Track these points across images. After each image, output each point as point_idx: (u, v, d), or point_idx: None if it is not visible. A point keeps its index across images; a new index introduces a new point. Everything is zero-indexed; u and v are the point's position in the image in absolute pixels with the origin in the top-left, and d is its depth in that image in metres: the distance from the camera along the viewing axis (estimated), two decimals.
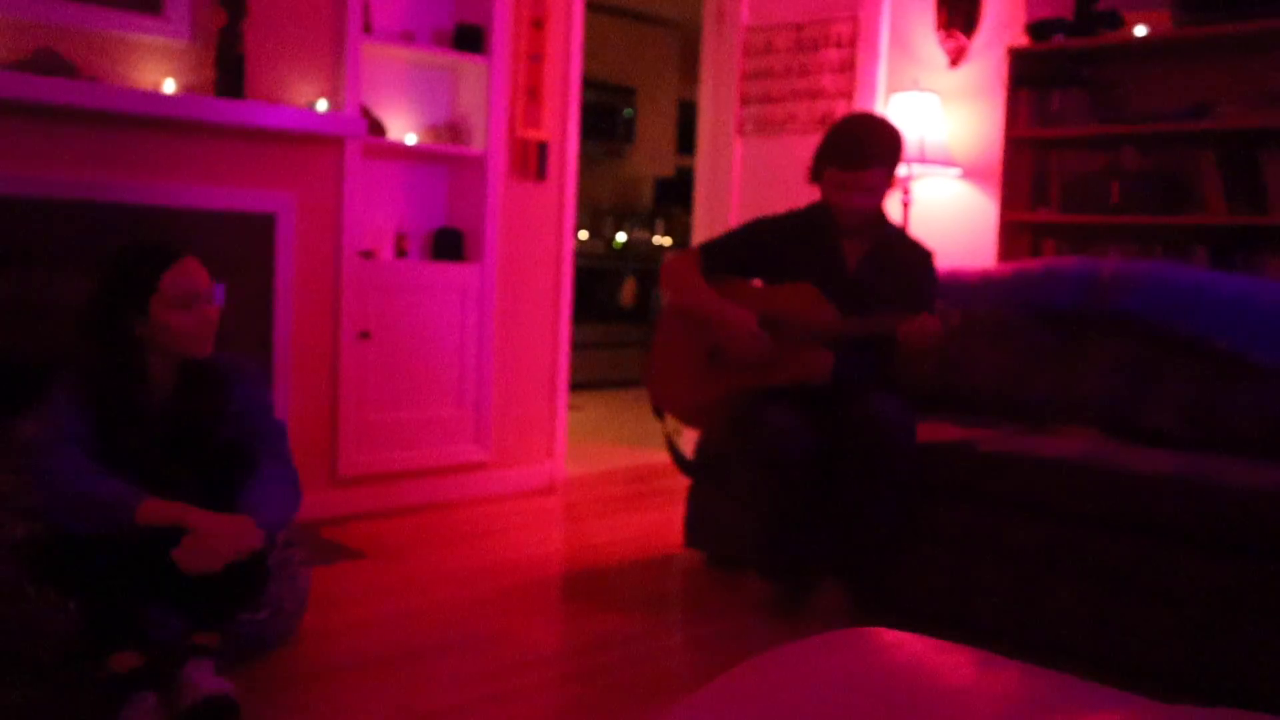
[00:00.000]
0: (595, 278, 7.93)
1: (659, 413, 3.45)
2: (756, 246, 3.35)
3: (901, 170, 3.95)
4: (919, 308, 3.17)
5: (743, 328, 3.19)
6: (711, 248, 3.40)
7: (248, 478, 2.38)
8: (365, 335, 4.03)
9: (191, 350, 2.43)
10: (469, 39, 4.27)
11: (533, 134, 4.45)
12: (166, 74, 3.50)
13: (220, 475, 2.41)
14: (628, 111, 8.81)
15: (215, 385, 2.47)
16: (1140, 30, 3.97)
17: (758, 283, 3.39)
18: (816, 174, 3.29)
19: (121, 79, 3.43)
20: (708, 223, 5.26)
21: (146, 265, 2.40)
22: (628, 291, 8.23)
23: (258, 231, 3.72)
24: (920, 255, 3.36)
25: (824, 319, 3.13)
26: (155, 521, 2.21)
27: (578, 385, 6.16)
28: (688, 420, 3.50)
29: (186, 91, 3.52)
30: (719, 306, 3.24)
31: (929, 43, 4.66)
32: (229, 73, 3.54)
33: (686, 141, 7.85)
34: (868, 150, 3.18)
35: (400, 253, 4.24)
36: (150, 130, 3.46)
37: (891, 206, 3.44)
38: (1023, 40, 4.27)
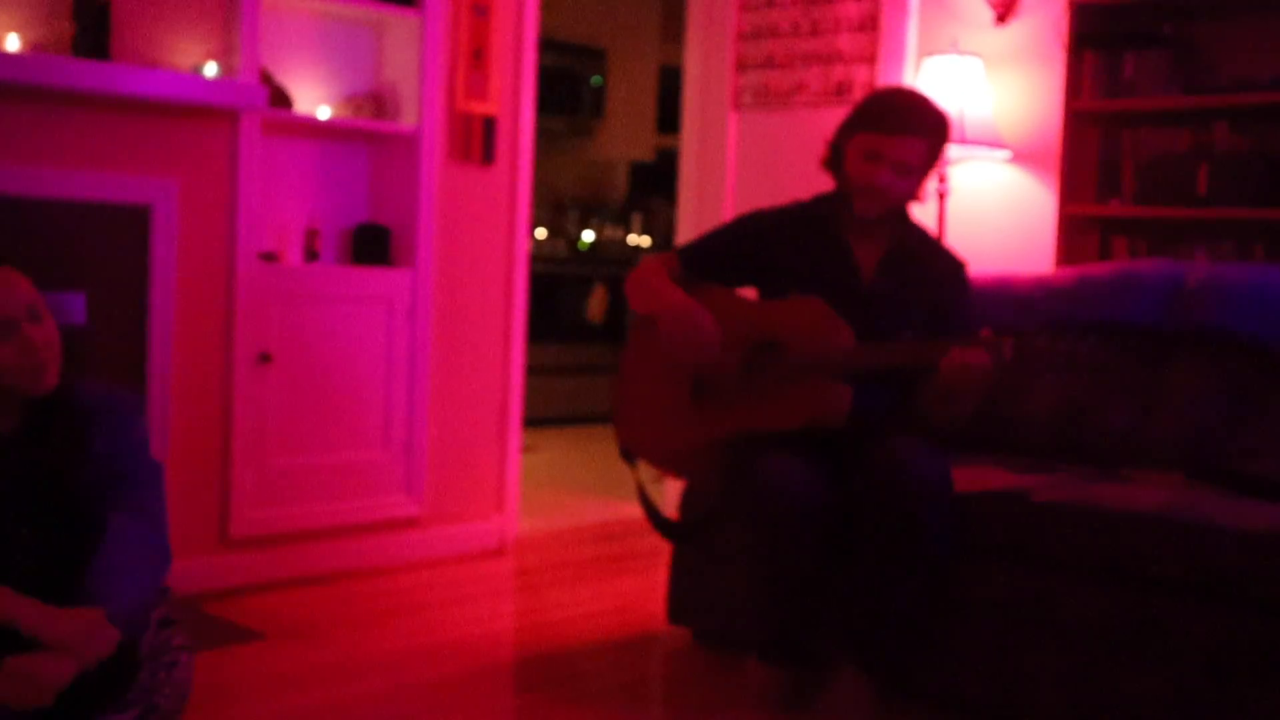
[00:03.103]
0: (556, 287, 7.92)
1: (629, 457, 3.44)
2: (746, 247, 3.36)
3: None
4: (948, 329, 3.20)
5: (686, 314, 3.19)
6: (691, 250, 3.43)
7: (101, 543, 2.36)
8: (266, 358, 4.01)
9: (23, 385, 2.41)
10: None
11: (477, 107, 4.46)
12: (9, 28, 3.48)
13: (75, 535, 2.38)
14: (596, 79, 8.83)
15: (71, 422, 2.46)
16: None
17: (752, 294, 3.41)
18: (836, 150, 3.30)
19: None
20: (695, 218, 5.25)
21: None
22: (596, 304, 8.23)
23: (129, 227, 3.71)
24: (951, 266, 3.39)
25: (839, 344, 3.12)
26: None
27: (534, 421, 6.14)
28: (666, 468, 3.50)
29: (35, 50, 3.51)
30: (660, 294, 3.26)
31: None
32: (90, 27, 3.53)
33: (669, 118, 7.84)
34: (911, 115, 3.21)
35: (311, 255, 4.23)
36: None
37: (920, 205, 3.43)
38: None
